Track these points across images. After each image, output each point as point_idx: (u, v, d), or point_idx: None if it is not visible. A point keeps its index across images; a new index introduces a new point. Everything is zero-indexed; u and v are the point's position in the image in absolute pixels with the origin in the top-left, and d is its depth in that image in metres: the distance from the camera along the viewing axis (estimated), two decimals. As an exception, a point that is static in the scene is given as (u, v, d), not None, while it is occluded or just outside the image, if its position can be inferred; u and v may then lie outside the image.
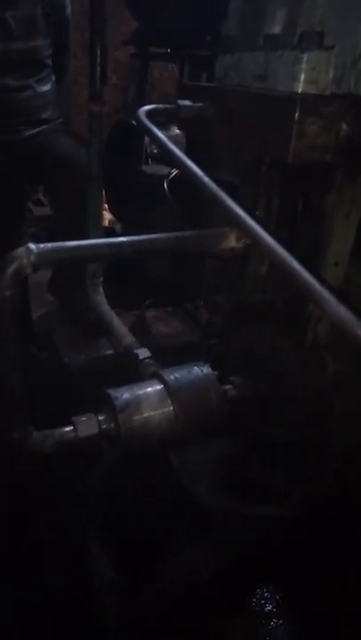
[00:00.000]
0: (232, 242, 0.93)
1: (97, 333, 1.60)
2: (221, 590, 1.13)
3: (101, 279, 1.52)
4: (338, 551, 1.10)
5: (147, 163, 2.47)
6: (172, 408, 0.93)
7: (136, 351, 1.17)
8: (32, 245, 0.78)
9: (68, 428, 0.89)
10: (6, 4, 1.85)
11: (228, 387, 1.06)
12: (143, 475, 1.28)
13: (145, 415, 0.92)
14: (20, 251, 0.77)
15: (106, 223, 3.00)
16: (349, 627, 1.02)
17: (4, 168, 2.04)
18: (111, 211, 2.84)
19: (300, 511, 1.11)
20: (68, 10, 2.13)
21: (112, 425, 0.91)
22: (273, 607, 1.10)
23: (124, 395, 0.93)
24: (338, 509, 1.08)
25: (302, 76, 0.86)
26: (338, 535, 1.09)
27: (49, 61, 2.10)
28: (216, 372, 1.00)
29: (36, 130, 2.07)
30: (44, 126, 2.10)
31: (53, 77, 2.17)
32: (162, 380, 0.96)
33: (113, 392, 0.93)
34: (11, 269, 0.76)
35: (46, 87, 2.09)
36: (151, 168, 2.40)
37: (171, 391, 0.94)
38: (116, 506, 1.33)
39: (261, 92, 0.94)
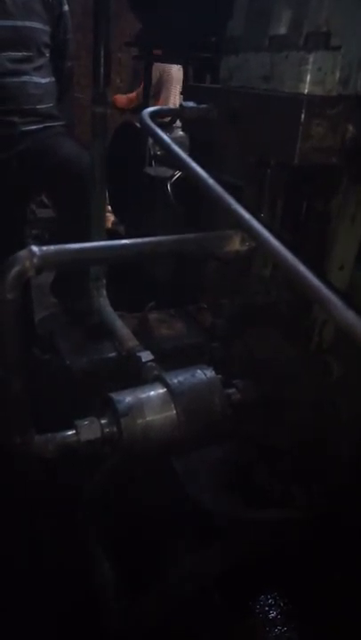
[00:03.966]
0: (236, 244, 0.92)
1: (100, 336, 1.59)
2: (224, 595, 1.12)
3: (104, 281, 1.52)
4: (343, 555, 1.09)
5: (150, 164, 2.46)
6: (175, 412, 0.92)
7: (139, 354, 1.16)
8: (35, 248, 0.77)
9: (70, 432, 0.88)
10: None
11: (231, 390, 1.05)
12: (145, 477, 1.27)
13: (148, 419, 0.91)
14: (23, 253, 0.76)
15: (109, 225, 3.00)
16: (356, 634, 1.01)
17: (5, 167, 2.04)
18: (114, 212, 2.84)
19: (305, 514, 1.10)
20: (66, 7, 2.14)
21: (114, 429, 0.90)
22: (277, 614, 1.09)
23: (126, 398, 0.92)
24: (342, 511, 1.07)
25: (308, 77, 0.85)
26: (344, 538, 1.08)
27: (47, 52, 2.10)
28: (220, 376, 0.99)
29: (34, 127, 2.07)
30: (43, 125, 2.09)
31: (53, 78, 2.17)
32: (165, 384, 0.96)
33: (115, 395, 0.92)
34: (13, 272, 0.75)
35: (44, 80, 2.09)
36: (155, 170, 2.40)
37: (174, 395, 0.93)
38: (117, 508, 1.33)
39: (267, 93, 0.93)
